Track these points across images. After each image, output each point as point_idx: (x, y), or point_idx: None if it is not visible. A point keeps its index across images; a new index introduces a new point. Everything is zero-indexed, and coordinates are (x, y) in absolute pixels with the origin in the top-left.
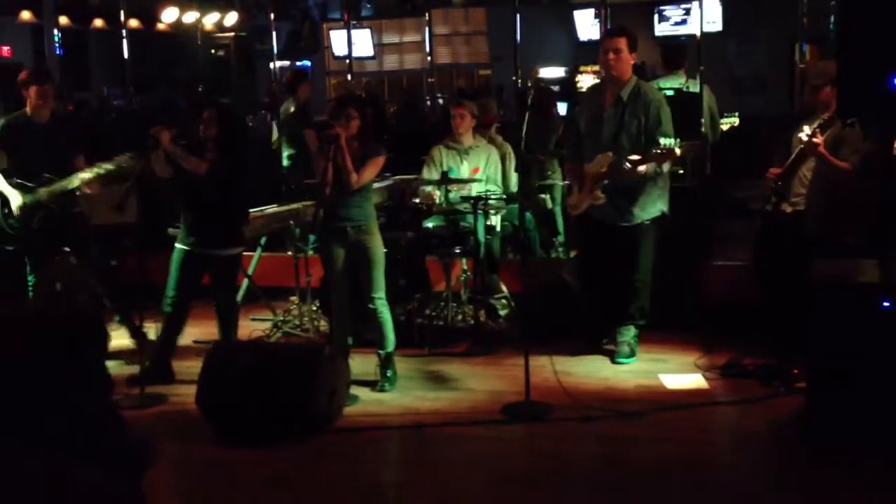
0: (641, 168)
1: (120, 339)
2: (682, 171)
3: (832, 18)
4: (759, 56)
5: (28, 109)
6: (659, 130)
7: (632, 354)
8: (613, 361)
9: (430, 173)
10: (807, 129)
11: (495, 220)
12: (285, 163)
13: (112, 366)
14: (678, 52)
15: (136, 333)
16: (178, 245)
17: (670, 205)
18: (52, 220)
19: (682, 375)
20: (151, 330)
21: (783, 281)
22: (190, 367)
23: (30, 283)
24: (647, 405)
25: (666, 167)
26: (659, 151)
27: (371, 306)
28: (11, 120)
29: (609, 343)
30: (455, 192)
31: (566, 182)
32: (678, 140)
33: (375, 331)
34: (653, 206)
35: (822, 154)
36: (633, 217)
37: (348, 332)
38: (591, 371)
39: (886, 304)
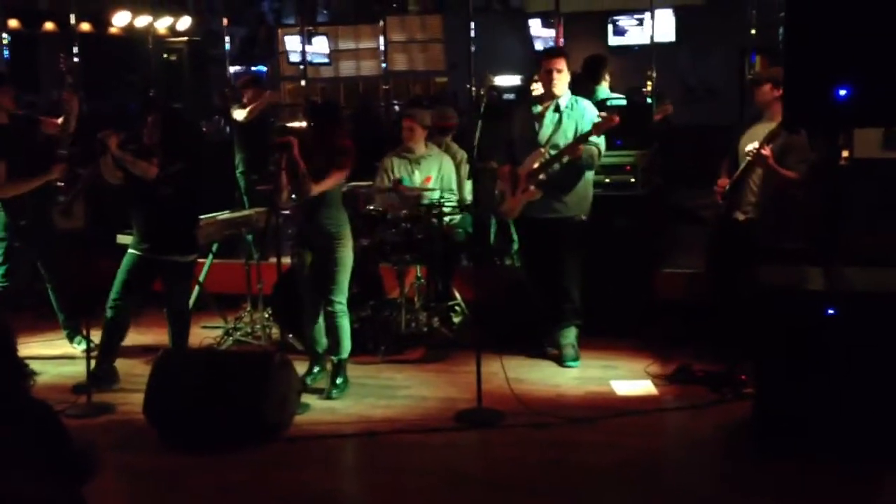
0: (580, 147)
1: (64, 346)
2: (633, 180)
3: (781, 30)
4: (710, 66)
5: None
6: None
7: (577, 357)
8: (562, 365)
9: (383, 181)
10: (755, 143)
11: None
12: (240, 168)
13: (57, 373)
14: (599, 65)
15: (78, 336)
16: (130, 250)
17: (621, 213)
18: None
19: (632, 382)
20: (98, 336)
21: (733, 288)
22: (138, 376)
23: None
24: (598, 411)
25: (590, 174)
26: (592, 126)
27: (329, 309)
28: None
29: (551, 348)
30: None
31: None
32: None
33: (331, 337)
34: (583, 203)
35: (771, 166)
36: (560, 210)
37: (320, 339)
38: (543, 378)
39: (830, 311)
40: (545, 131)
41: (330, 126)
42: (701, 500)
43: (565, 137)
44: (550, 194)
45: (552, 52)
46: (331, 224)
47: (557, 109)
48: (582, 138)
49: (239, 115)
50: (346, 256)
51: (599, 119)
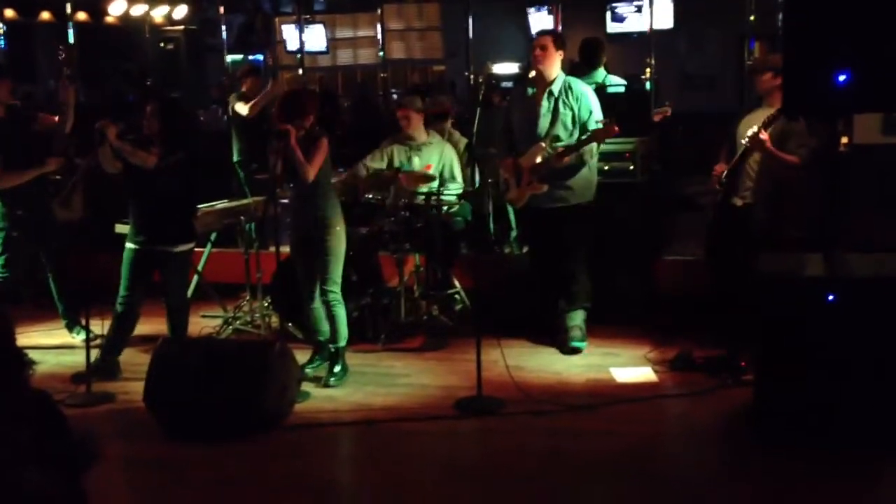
0: (566, 158)
1: (64, 336)
2: (632, 167)
3: (780, 16)
4: (709, 53)
5: None
6: (591, 119)
7: (584, 338)
8: (567, 346)
9: (374, 160)
10: (754, 129)
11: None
12: (236, 157)
13: (57, 363)
14: (595, 49)
15: (77, 326)
16: (128, 244)
17: (620, 200)
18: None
19: (632, 369)
20: (98, 326)
21: (733, 274)
22: (139, 365)
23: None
24: (598, 399)
25: (594, 160)
26: (590, 135)
27: (324, 298)
28: None
29: (559, 333)
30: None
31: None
32: (606, 119)
33: (328, 325)
34: (586, 190)
35: (769, 150)
36: (567, 198)
37: (320, 328)
38: (543, 365)
39: (831, 297)
40: (543, 122)
41: (300, 118)
42: (700, 487)
43: (564, 127)
44: (555, 184)
45: (539, 32)
46: (324, 212)
47: (551, 96)
48: (579, 145)
49: (242, 109)
50: (339, 245)
51: (599, 124)
